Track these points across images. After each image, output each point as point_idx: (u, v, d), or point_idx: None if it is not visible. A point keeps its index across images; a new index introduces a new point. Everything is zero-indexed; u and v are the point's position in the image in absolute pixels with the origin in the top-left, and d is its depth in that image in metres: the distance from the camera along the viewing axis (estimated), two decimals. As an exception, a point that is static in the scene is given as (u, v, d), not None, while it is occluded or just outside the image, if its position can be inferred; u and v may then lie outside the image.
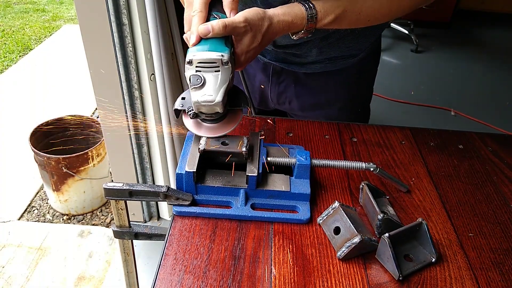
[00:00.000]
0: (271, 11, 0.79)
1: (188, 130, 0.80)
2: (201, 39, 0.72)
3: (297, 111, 1.18)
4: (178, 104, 0.79)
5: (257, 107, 1.25)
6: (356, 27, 0.89)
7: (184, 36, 0.76)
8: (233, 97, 0.78)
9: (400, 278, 0.70)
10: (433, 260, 0.74)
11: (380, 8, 0.85)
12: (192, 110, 0.76)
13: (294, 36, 0.85)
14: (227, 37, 0.73)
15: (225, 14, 0.76)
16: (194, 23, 0.73)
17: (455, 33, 4.45)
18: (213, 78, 0.70)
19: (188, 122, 0.79)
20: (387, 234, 0.70)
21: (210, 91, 0.70)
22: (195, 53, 0.70)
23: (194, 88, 0.70)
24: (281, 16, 0.79)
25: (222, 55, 0.69)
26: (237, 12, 0.76)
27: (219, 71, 0.70)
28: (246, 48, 0.76)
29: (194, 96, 0.71)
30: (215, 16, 0.74)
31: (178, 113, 0.79)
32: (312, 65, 1.07)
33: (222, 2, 0.77)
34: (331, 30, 0.90)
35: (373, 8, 0.84)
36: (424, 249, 0.75)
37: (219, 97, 0.71)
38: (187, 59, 0.70)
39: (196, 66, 0.70)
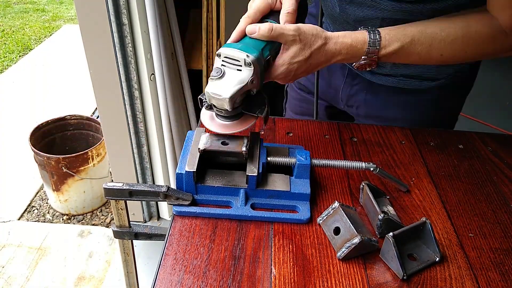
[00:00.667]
0: (330, 33, 0.78)
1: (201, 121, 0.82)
2: (240, 38, 0.75)
3: (362, 118, 1.15)
4: (203, 95, 0.80)
5: (329, 102, 1.22)
6: (427, 64, 0.85)
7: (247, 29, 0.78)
8: (253, 102, 0.78)
9: (405, 277, 0.70)
10: (437, 259, 0.74)
11: (454, 43, 0.79)
12: (207, 101, 0.78)
13: (353, 66, 0.83)
14: (272, 44, 0.75)
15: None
16: (240, 23, 0.76)
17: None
18: (233, 74, 0.72)
19: (204, 112, 0.81)
20: (391, 234, 0.70)
21: (224, 86, 0.72)
22: (226, 47, 0.72)
23: (211, 78, 0.72)
24: (340, 38, 0.78)
25: (247, 55, 0.71)
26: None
27: (240, 70, 0.72)
28: (289, 59, 0.75)
29: (208, 87, 0.73)
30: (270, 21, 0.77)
31: (201, 102, 0.81)
32: (384, 77, 1.02)
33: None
34: (413, 66, 0.86)
35: (445, 42, 0.79)
36: (428, 248, 0.75)
37: (227, 94, 0.71)
38: (218, 52, 0.73)
39: (223, 60, 0.73)
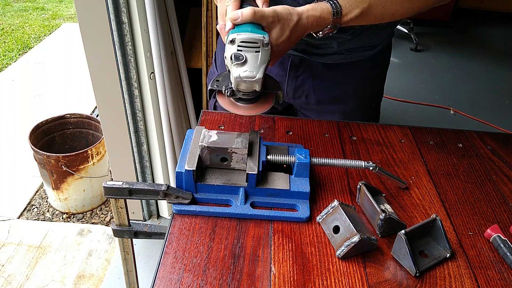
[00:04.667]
0: (299, 8, 0.82)
1: (224, 109, 0.83)
2: (235, 26, 0.76)
3: (313, 105, 1.17)
4: (213, 85, 0.82)
5: None
6: (381, 22, 0.91)
7: (218, 27, 0.81)
8: (265, 82, 0.81)
9: (417, 274, 0.71)
10: (448, 255, 0.75)
11: (403, 2, 0.87)
12: (230, 88, 0.79)
13: (319, 34, 0.87)
14: (262, 27, 0.76)
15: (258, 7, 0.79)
16: (229, 11, 0.77)
17: (455, 32, 4.45)
18: (253, 57, 0.74)
19: (224, 101, 0.82)
20: (403, 231, 0.71)
21: (251, 68, 0.74)
22: (239, 33, 0.73)
23: (236, 64, 0.74)
24: (310, 12, 0.82)
25: (263, 37, 0.73)
26: (269, 6, 0.80)
27: (259, 51, 0.74)
28: (274, 41, 0.78)
29: (236, 72, 0.74)
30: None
31: (211, 93, 0.83)
32: (332, 56, 1.08)
33: None
34: (357, 26, 0.92)
35: (396, 3, 0.87)
36: (438, 244, 0.76)
37: (259, 74, 0.74)
38: (229, 39, 0.74)
39: (238, 45, 0.74)
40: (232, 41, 0.74)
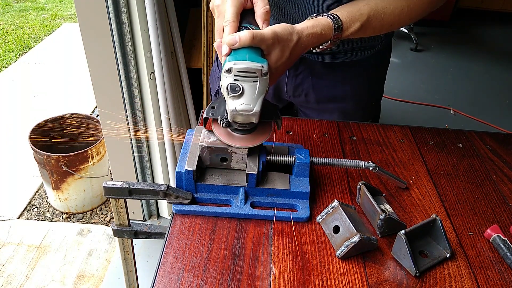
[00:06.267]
0: (299, 26, 0.80)
1: (220, 140, 0.79)
2: (232, 50, 0.72)
3: (313, 103, 1.17)
4: (208, 113, 0.78)
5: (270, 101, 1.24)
6: (380, 34, 0.91)
7: (215, 45, 0.76)
8: (264, 109, 0.77)
9: (417, 274, 0.71)
10: (448, 255, 0.75)
11: (401, 14, 0.87)
12: (226, 119, 0.75)
13: (317, 49, 0.86)
14: (261, 51, 0.73)
15: (257, 26, 0.76)
16: (226, 33, 0.73)
17: (455, 32, 4.45)
18: (250, 87, 0.70)
19: (219, 131, 0.79)
20: (403, 231, 0.71)
21: (248, 100, 0.71)
22: (236, 62, 0.69)
23: (232, 96, 0.70)
24: (310, 29, 0.80)
25: (262, 66, 0.70)
26: (269, 24, 0.77)
27: (257, 81, 0.70)
28: (273, 64, 0.76)
29: (232, 105, 0.71)
30: (248, 27, 0.74)
31: (206, 121, 0.79)
32: (332, 55, 1.07)
33: (253, 14, 0.78)
34: (356, 39, 0.91)
35: (394, 14, 0.87)
36: (438, 244, 0.76)
37: (257, 107, 0.71)
38: (225, 68, 0.69)
39: (235, 75, 0.70)
40: (229, 71, 0.69)
